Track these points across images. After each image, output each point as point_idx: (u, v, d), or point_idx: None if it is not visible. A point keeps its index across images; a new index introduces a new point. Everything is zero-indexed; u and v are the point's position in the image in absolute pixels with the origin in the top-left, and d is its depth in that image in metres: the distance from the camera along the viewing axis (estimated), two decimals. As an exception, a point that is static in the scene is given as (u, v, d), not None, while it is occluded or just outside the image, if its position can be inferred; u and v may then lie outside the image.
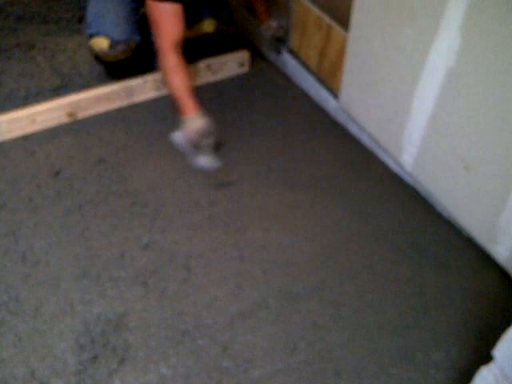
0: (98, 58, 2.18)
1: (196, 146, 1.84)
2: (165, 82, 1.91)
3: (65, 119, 2.04)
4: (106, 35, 1.97)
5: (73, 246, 1.64)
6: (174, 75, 1.82)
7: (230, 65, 2.28)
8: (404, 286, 1.55)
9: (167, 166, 1.91)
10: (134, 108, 2.14)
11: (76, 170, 1.87)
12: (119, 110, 2.12)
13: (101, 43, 1.99)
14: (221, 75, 2.28)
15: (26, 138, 1.99)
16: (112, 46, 1.98)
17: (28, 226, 1.69)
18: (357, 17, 1.80)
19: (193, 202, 1.78)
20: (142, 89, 2.13)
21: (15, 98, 2.13)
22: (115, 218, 1.72)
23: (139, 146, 1.98)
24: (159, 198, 1.79)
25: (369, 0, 1.71)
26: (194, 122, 1.81)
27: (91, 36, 2.01)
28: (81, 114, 2.06)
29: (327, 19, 1.98)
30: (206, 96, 2.19)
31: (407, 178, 1.85)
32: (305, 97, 2.23)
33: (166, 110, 2.13)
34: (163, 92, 2.17)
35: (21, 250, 1.63)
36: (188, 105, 1.81)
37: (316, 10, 2.02)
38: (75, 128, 2.04)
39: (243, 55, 2.29)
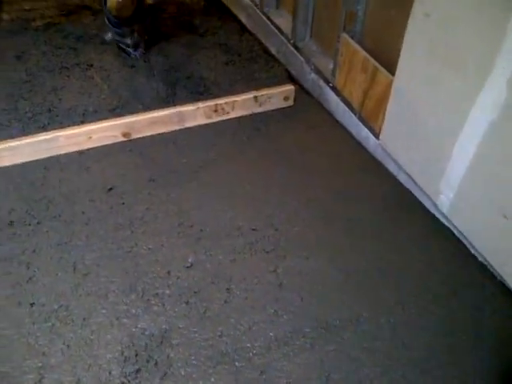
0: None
1: None
2: None
3: (119, 138, 2.08)
4: None
5: (122, 260, 1.66)
6: None
7: (276, 98, 2.30)
8: (436, 324, 1.54)
9: (212, 189, 1.93)
10: (185, 132, 2.17)
11: (128, 188, 1.90)
12: (171, 133, 2.15)
13: None
14: (266, 107, 2.30)
15: (81, 154, 2.03)
16: None
17: (80, 238, 1.72)
18: (404, 62, 1.81)
19: (235, 227, 1.79)
20: (193, 115, 2.16)
21: (74, 114, 2.18)
22: (163, 236, 1.74)
23: (188, 168, 2.00)
24: (204, 219, 1.81)
25: (417, 47, 1.72)
26: None
27: None
28: (135, 135, 2.10)
29: (373, 62, 1.99)
30: (252, 125, 2.22)
31: (443, 220, 1.84)
32: (345, 133, 2.24)
33: (214, 137, 2.16)
34: (213, 119, 2.20)
35: (72, 261, 1.65)
36: None
37: (363, 52, 2.04)
38: (129, 147, 2.07)
39: (289, 90, 2.32)
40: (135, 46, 2.52)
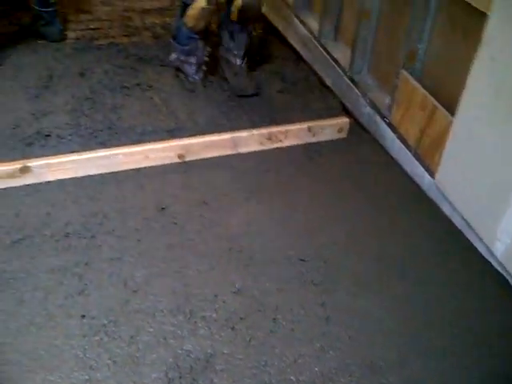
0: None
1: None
2: None
3: (175, 159, 2.11)
4: None
5: (171, 279, 1.67)
6: None
7: (330, 129, 2.31)
8: (483, 371, 1.48)
9: (264, 216, 1.93)
10: (238, 157, 2.19)
11: (180, 208, 1.93)
12: (225, 158, 2.18)
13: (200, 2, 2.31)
14: (320, 138, 2.31)
15: (137, 171, 2.08)
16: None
17: (132, 255, 1.74)
18: (466, 104, 1.79)
19: (284, 255, 1.79)
20: (247, 141, 2.19)
21: (132, 132, 2.22)
22: (212, 259, 1.74)
23: (240, 193, 2.02)
24: (254, 245, 1.81)
25: (481, 90, 1.70)
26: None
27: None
28: (190, 157, 2.13)
29: (433, 100, 1.98)
30: (305, 154, 2.23)
31: (496, 265, 1.79)
32: (399, 169, 2.22)
33: (267, 164, 2.17)
34: (266, 146, 2.22)
35: (123, 276, 1.67)
36: None
37: (422, 90, 2.03)
38: (183, 168, 2.11)
39: (343, 122, 2.32)
40: (199, 65, 2.57)
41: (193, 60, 2.57)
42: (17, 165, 1.91)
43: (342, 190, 2.09)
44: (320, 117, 2.35)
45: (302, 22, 2.90)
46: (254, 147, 2.23)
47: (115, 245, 1.77)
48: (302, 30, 2.90)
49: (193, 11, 2.41)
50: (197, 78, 2.58)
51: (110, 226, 1.84)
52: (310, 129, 2.27)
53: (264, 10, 3.18)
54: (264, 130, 2.20)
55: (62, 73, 2.61)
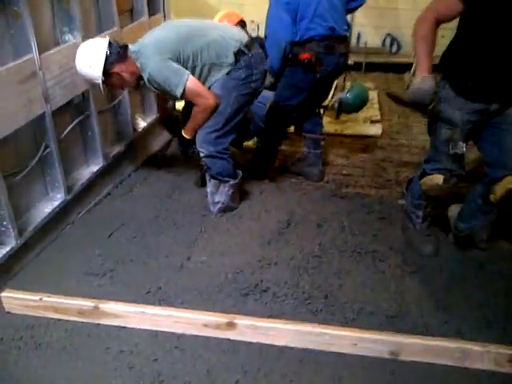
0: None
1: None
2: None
3: (385, 354, 1.81)
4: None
5: None
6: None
7: None
8: None
9: None
10: (463, 373, 1.75)
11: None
12: (446, 369, 1.76)
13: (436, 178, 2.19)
14: None
15: (339, 357, 1.82)
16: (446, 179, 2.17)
17: None
18: None
19: None
20: (480, 356, 1.75)
21: (348, 309, 2.00)
22: None
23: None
24: None
25: None
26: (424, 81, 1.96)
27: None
28: (404, 357, 1.80)
29: None
30: None
31: None
32: None
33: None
34: (505, 369, 1.75)
35: None
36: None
37: None
38: (392, 367, 1.77)
39: None
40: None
41: (420, 213, 2.41)
42: (224, 319, 1.87)
43: None
44: None
45: None
46: (489, 366, 1.77)
47: None
48: None
49: (428, 180, 2.24)
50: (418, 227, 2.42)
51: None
52: None
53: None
54: (506, 350, 1.74)
55: (300, 219, 2.60)
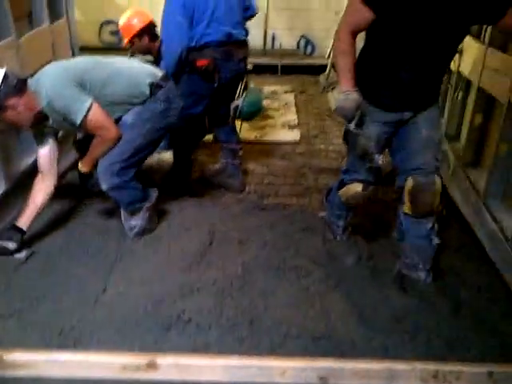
0: None
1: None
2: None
3: (314, 380, 1.76)
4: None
5: None
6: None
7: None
8: None
9: None
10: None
11: None
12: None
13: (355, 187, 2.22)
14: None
15: (270, 387, 1.76)
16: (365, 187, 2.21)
17: None
18: None
19: None
20: (407, 375, 1.75)
21: (274, 333, 1.91)
22: None
23: None
24: None
25: None
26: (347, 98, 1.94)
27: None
28: (332, 381, 1.76)
29: None
30: None
31: None
32: None
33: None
34: (430, 384, 1.76)
35: None
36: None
37: None
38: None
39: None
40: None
41: (340, 223, 2.48)
42: (144, 359, 1.74)
43: None
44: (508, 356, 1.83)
45: (493, 217, 2.45)
46: (414, 383, 1.78)
47: None
48: (491, 225, 2.44)
49: (347, 190, 2.28)
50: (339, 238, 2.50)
51: None
52: (491, 374, 1.76)
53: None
54: (430, 366, 1.75)
55: (221, 237, 2.50)
